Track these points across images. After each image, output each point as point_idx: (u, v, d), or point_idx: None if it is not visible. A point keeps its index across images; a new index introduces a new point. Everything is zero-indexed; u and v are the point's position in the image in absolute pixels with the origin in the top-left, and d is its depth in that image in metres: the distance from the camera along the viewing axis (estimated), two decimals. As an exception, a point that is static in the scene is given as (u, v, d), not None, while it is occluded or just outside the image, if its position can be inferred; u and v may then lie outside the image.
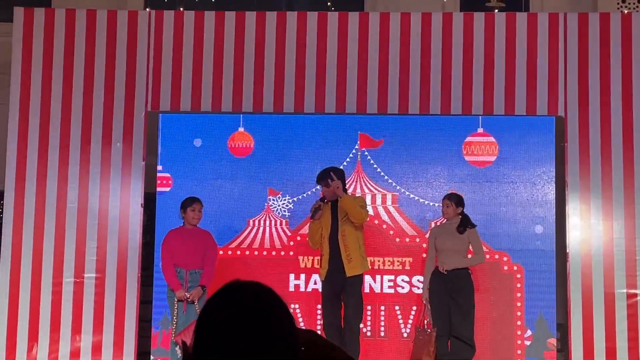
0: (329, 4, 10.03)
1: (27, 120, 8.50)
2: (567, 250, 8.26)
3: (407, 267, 8.37)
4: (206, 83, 8.56)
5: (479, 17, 8.59)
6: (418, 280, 8.27)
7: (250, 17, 8.63)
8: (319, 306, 7.93)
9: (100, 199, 8.45)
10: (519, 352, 8.21)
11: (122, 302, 8.31)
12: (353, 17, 8.64)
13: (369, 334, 8.32)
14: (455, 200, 7.93)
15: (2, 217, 8.61)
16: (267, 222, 8.44)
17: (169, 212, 8.27)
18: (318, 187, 7.87)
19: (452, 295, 7.65)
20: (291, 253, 8.45)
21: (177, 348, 7.63)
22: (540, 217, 8.35)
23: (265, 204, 8.46)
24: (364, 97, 8.52)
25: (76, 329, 8.30)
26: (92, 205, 8.42)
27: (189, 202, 7.83)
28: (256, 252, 8.42)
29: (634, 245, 8.23)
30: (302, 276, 8.38)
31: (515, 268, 8.32)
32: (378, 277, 8.36)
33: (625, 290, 8.18)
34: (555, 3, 9.80)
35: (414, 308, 8.26)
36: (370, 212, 8.20)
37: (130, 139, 8.50)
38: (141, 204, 8.42)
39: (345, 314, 7.55)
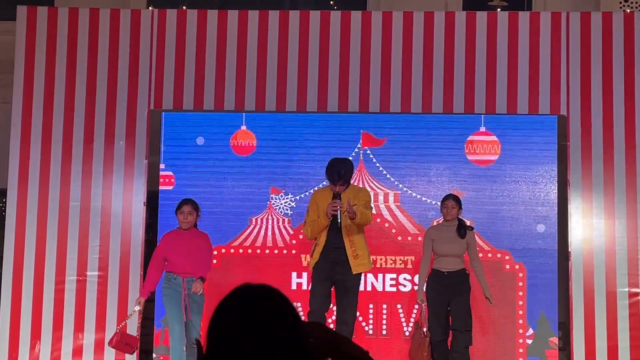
0: (331, 2, 10.04)
1: (30, 119, 8.52)
2: (569, 249, 8.27)
3: (410, 266, 8.38)
4: (209, 82, 8.58)
5: (481, 16, 8.59)
6: (420, 279, 8.27)
7: (253, 16, 8.64)
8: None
9: (102, 197, 8.47)
10: (520, 350, 8.22)
11: (124, 300, 8.33)
12: (356, 16, 8.65)
13: (370, 332, 8.33)
14: (458, 201, 7.85)
15: (5, 215, 8.62)
16: (270, 221, 8.45)
17: (171, 211, 8.27)
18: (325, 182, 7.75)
19: (452, 297, 7.60)
20: (293, 251, 8.46)
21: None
22: (542, 216, 8.36)
23: (268, 203, 8.47)
24: (366, 96, 8.53)
25: (79, 327, 8.32)
26: (95, 204, 8.44)
27: (178, 206, 7.69)
28: (258, 251, 8.43)
29: (636, 244, 8.24)
30: (304, 274, 8.39)
31: (517, 267, 8.33)
32: (380, 276, 8.37)
33: (627, 289, 8.19)
34: (558, 2, 9.80)
35: (416, 306, 8.27)
36: (373, 210, 8.20)
37: (133, 138, 8.52)
38: (144, 202, 8.43)
39: (342, 312, 7.37)
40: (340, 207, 7.23)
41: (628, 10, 9.26)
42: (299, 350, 2.08)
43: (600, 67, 8.45)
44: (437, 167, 8.46)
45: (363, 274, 7.66)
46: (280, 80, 8.56)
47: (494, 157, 8.44)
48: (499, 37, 8.53)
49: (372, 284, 8.34)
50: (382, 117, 8.50)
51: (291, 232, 8.46)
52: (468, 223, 7.92)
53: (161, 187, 8.50)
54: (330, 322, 7.66)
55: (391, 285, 8.37)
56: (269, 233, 8.44)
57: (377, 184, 8.41)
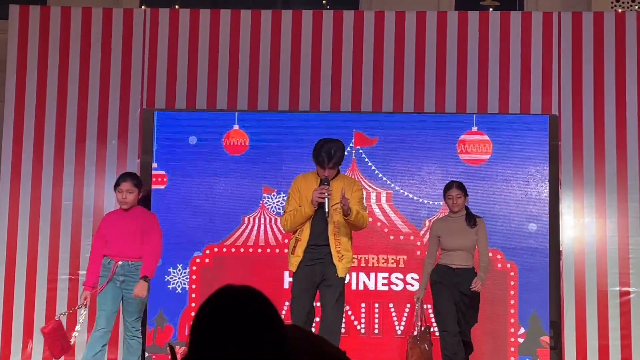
0: (324, 2, 10.05)
1: (22, 118, 8.52)
2: (561, 248, 8.30)
3: (402, 265, 8.39)
4: (201, 81, 8.58)
5: (473, 16, 8.62)
6: (412, 278, 8.29)
7: (246, 15, 8.65)
8: (317, 304, 6.86)
9: (95, 196, 8.47)
10: (512, 349, 8.25)
11: (117, 299, 8.32)
12: (348, 16, 8.67)
13: (363, 331, 8.35)
14: (463, 189, 7.34)
15: (-3, 214, 8.61)
16: (262, 220, 8.46)
17: (164, 210, 8.28)
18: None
19: (459, 299, 7.13)
20: (286, 250, 8.46)
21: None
22: (534, 215, 8.38)
23: (260, 202, 8.48)
24: (358, 96, 8.55)
25: (71, 326, 8.31)
26: (87, 203, 8.44)
27: (116, 182, 6.90)
28: (251, 250, 8.44)
29: (627, 243, 8.27)
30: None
31: (508, 266, 8.35)
32: (372, 275, 8.39)
33: (618, 288, 8.22)
34: (549, 2, 9.83)
35: (408, 305, 8.28)
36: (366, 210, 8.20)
37: (126, 137, 8.52)
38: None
39: (327, 314, 6.58)
40: (329, 195, 6.45)
41: (619, 10, 9.29)
42: (284, 353, 2.09)
43: (592, 66, 8.48)
44: (429, 166, 8.47)
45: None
46: (272, 80, 8.58)
47: (486, 157, 8.46)
48: (491, 37, 8.56)
49: (364, 283, 8.36)
50: (374, 116, 8.52)
51: (284, 231, 8.47)
52: None
53: (154, 187, 8.50)
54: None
55: (383, 285, 8.39)
56: (262, 232, 8.45)
57: (369, 183, 8.43)
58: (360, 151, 8.46)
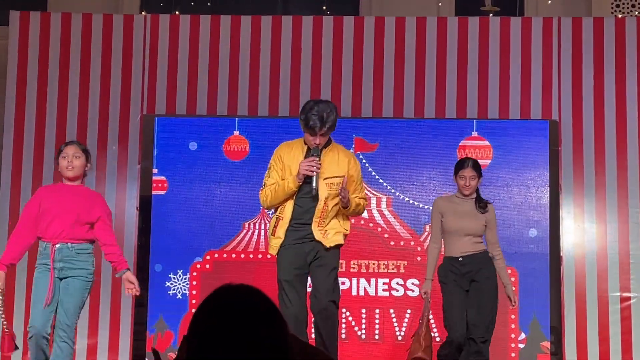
0: (324, 7, 10.06)
1: (22, 123, 8.52)
2: (561, 254, 8.30)
3: (402, 270, 8.39)
4: (202, 87, 8.59)
5: (473, 22, 8.62)
6: (412, 284, 8.29)
7: (246, 21, 8.66)
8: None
9: (95, 202, 8.46)
10: (512, 355, 8.24)
11: (117, 305, 8.33)
12: (348, 21, 8.67)
13: (363, 337, 8.35)
14: (478, 169, 6.48)
15: (-3, 220, 8.57)
16: (263, 226, 8.46)
17: (164, 216, 8.28)
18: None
19: (471, 288, 6.31)
20: (286, 256, 8.46)
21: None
22: (534, 220, 8.38)
23: (261, 208, 8.47)
24: (358, 101, 8.55)
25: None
26: (88, 209, 8.44)
27: (61, 148, 5.93)
28: (251, 255, 8.43)
29: (628, 248, 8.27)
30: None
31: (509, 271, 8.34)
32: (373, 280, 8.38)
33: (618, 294, 8.22)
34: (550, 7, 9.83)
35: (409, 311, 8.28)
36: (365, 215, 8.21)
37: (126, 143, 8.53)
38: (137, 207, 8.43)
39: (321, 300, 5.73)
40: (319, 167, 5.60)
41: (619, 16, 9.29)
42: (284, 351, 2.07)
43: (592, 72, 8.49)
44: (430, 172, 8.47)
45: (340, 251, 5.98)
46: (273, 85, 8.58)
47: (486, 162, 8.46)
48: (491, 43, 8.56)
49: (364, 288, 8.35)
50: (374, 122, 8.53)
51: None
52: None
53: (154, 192, 8.50)
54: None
55: (384, 290, 8.38)
56: (262, 238, 8.45)
57: (369, 189, 8.43)
58: (361, 157, 8.46)
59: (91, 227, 5.82)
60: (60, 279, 5.69)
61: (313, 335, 6.20)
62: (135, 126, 8.54)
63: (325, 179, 5.66)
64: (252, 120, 8.56)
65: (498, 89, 8.51)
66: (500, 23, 8.61)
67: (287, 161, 5.74)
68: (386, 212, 8.47)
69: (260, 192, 5.98)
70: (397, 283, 8.39)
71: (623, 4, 9.78)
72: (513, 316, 8.27)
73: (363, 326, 8.35)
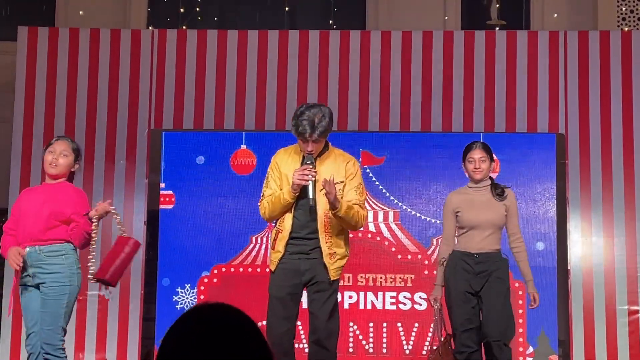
0: (330, 22, 10.09)
1: (30, 138, 8.55)
2: (569, 267, 8.29)
3: (409, 284, 8.38)
4: (209, 101, 8.62)
5: (479, 35, 8.64)
6: (420, 297, 8.28)
7: (253, 35, 8.69)
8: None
9: (103, 216, 8.48)
10: (521, 368, 8.23)
11: (124, 319, 8.34)
12: (355, 35, 8.70)
13: (371, 350, 8.34)
14: (488, 151, 5.91)
15: (5, 234, 8.58)
16: (270, 239, 8.45)
17: (172, 230, 8.30)
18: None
19: (484, 291, 5.75)
20: (293, 270, 8.46)
21: None
22: (542, 233, 8.37)
23: (273, 223, 8.48)
24: (365, 115, 8.57)
25: (79, 347, 8.32)
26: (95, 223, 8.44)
27: (50, 142, 5.48)
28: (259, 269, 8.44)
29: (635, 261, 8.26)
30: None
31: (517, 285, 8.34)
32: (380, 294, 8.38)
33: (626, 307, 8.20)
34: (556, 21, 9.85)
35: (416, 325, 8.27)
36: (372, 229, 8.22)
37: (134, 157, 8.56)
38: (144, 222, 8.45)
39: (320, 328, 5.41)
40: (314, 175, 5.16)
41: (625, 29, 9.31)
42: None
43: (598, 85, 8.49)
44: (437, 185, 8.48)
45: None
46: (279, 100, 8.61)
47: (493, 175, 8.46)
48: (497, 56, 8.58)
49: (372, 302, 8.35)
50: (381, 136, 8.54)
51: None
52: None
53: (161, 207, 8.52)
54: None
55: (391, 304, 8.38)
56: (270, 252, 8.44)
57: (376, 203, 8.43)
58: (368, 170, 8.47)
59: (66, 224, 5.29)
60: (38, 288, 5.22)
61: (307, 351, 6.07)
62: (142, 140, 8.57)
63: (322, 189, 5.19)
64: (259, 135, 8.57)
65: (505, 103, 8.52)
66: (506, 37, 8.62)
67: (284, 169, 5.38)
68: (393, 226, 8.47)
69: (259, 203, 5.63)
70: (405, 297, 8.39)
71: (629, 17, 9.80)
72: (521, 330, 8.25)
73: (371, 340, 8.34)
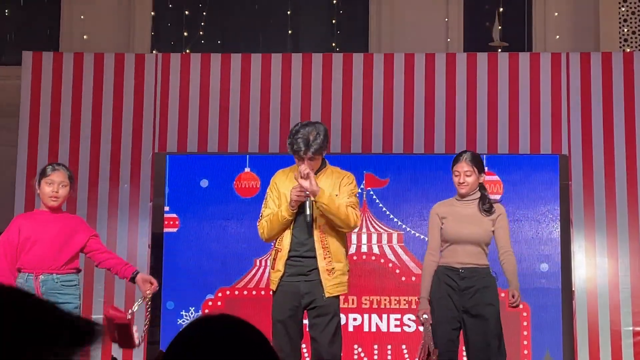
0: (333, 44, 10.14)
1: (35, 162, 8.58)
2: (573, 288, 8.28)
3: (414, 306, 8.36)
4: (212, 124, 8.65)
5: (482, 57, 8.67)
6: (424, 319, 8.26)
7: (256, 59, 8.73)
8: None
9: (107, 239, 8.48)
10: (526, 390, 8.21)
11: (129, 342, 8.33)
12: (358, 58, 8.74)
13: (376, 373, 8.32)
14: (477, 163, 5.63)
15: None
16: (274, 262, 8.46)
17: (176, 253, 8.30)
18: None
19: (468, 311, 5.59)
20: (298, 293, 8.45)
21: None
22: (546, 255, 8.37)
23: (272, 244, 8.48)
24: (369, 137, 8.60)
25: None
26: (100, 246, 8.47)
27: (43, 172, 5.49)
28: (263, 292, 8.43)
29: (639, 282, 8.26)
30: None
31: (521, 307, 8.33)
32: (385, 316, 8.37)
33: (631, 328, 8.19)
34: (558, 42, 9.88)
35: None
36: (376, 251, 8.22)
37: (138, 180, 8.58)
38: (148, 245, 8.46)
39: (322, 353, 5.37)
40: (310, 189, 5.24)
41: (627, 50, 9.34)
42: None
43: (601, 106, 8.51)
44: (440, 207, 8.48)
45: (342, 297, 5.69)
46: (283, 122, 8.63)
47: (497, 197, 8.46)
48: (500, 78, 8.61)
49: (376, 324, 8.34)
50: (384, 158, 8.55)
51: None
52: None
53: (166, 230, 8.53)
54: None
55: (396, 326, 8.37)
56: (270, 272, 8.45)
57: (380, 225, 8.44)
58: (371, 192, 8.48)
59: (76, 255, 5.47)
60: None
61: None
62: (146, 164, 8.59)
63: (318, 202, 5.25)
64: (263, 157, 8.59)
65: (508, 124, 8.54)
66: (509, 59, 8.65)
67: (283, 189, 5.41)
68: (397, 248, 8.47)
69: (257, 223, 5.68)
70: (409, 319, 8.38)
71: (631, 38, 9.83)
72: (526, 351, 8.24)
73: (375, 362, 8.33)
